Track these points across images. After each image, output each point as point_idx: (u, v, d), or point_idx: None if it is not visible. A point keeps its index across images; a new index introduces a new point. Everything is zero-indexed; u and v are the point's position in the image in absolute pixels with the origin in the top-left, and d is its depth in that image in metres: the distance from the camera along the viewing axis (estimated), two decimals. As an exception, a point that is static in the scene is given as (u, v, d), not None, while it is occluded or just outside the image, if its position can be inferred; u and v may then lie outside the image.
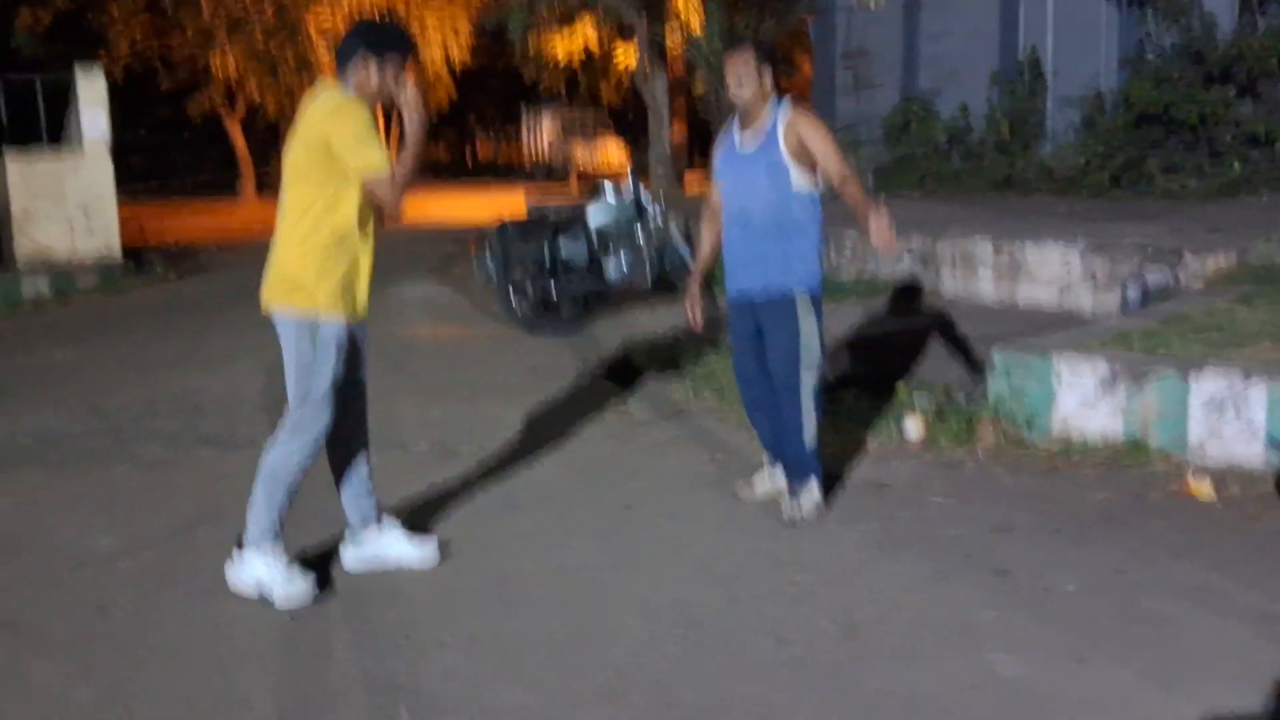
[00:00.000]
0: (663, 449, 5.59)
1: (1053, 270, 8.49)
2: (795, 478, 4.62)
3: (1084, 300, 8.26)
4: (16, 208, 12.04)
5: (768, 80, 4.53)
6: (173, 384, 7.26)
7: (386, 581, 3.96)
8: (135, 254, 13.20)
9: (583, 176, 28.14)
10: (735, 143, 4.66)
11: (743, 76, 4.51)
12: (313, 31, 21.24)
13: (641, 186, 9.86)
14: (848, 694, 3.13)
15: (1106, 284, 8.11)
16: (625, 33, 18.94)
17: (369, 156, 3.62)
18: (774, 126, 4.50)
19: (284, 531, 3.84)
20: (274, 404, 5.76)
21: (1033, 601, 3.71)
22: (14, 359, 8.55)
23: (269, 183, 27.12)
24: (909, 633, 3.49)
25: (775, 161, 4.46)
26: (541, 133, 33.74)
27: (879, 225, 4.17)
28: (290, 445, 3.80)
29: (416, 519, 4.50)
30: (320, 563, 4.08)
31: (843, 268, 10.35)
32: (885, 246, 4.25)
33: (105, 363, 8.20)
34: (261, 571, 3.76)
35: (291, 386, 3.80)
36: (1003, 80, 14.56)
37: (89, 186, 12.39)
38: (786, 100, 4.57)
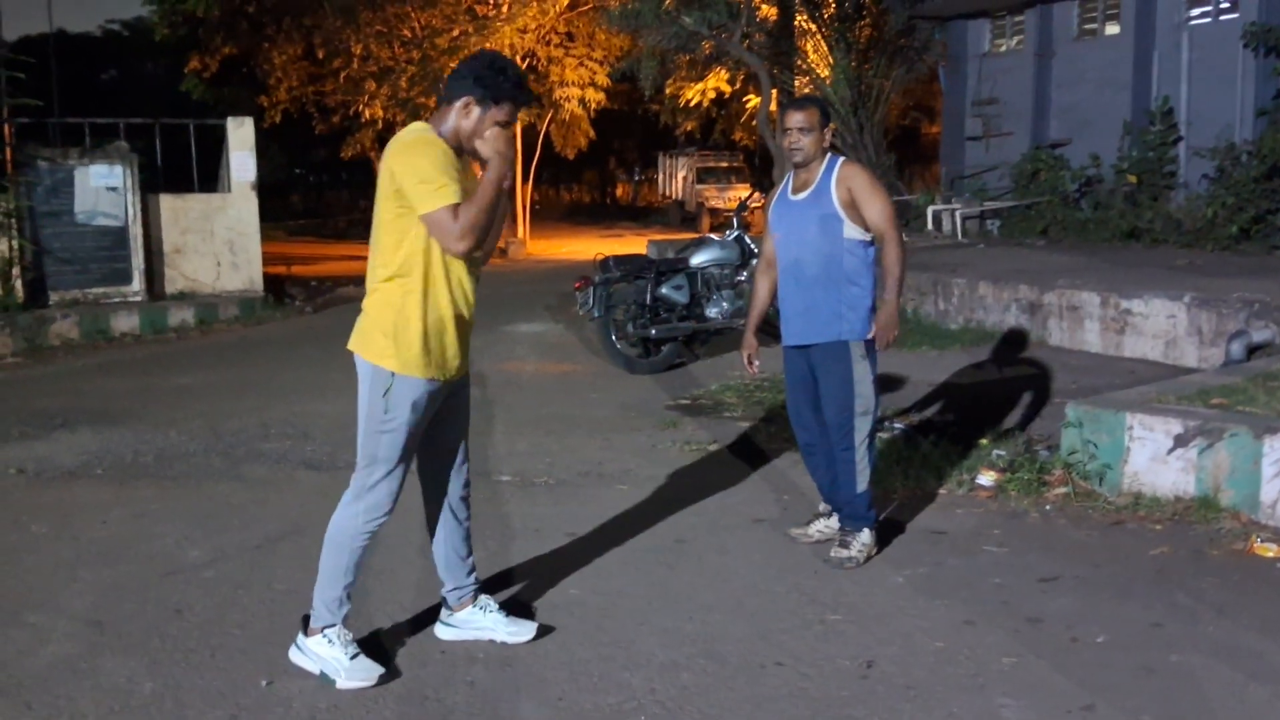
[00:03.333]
0: (732, 488, 5.73)
1: (1158, 324, 8.34)
2: (847, 522, 4.69)
3: (1189, 354, 8.08)
4: (168, 244, 12.93)
5: (827, 136, 4.66)
6: (289, 409, 7.73)
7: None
8: (278, 287, 13.99)
9: (715, 219, 28.41)
10: (788, 193, 4.78)
11: (803, 131, 4.63)
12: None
13: (747, 231, 10.09)
14: (849, 728, 3.23)
15: (1212, 339, 7.93)
16: (752, 79, 19.16)
17: (430, 195, 3.34)
18: (828, 177, 4.63)
19: (350, 606, 3.61)
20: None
21: (1056, 650, 3.73)
22: (151, 381, 9.20)
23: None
24: (923, 674, 3.56)
25: (828, 211, 4.59)
26: (677, 175, 34.23)
27: (882, 318, 4.57)
28: (354, 508, 3.53)
29: (483, 544, 4.74)
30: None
31: (950, 314, 10.34)
32: (880, 341, 4.59)
33: (231, 387, 8.76)
34: (326, 653, 3.51)
35: (360, 443, 3.53)
36: (1135, 130, 14.29)
37: (235, 225, 13.23)
38: (839, 157, 4.71)
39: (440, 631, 3.85)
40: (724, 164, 32.97)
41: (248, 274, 13.32)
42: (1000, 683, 3.50)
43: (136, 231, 12.52)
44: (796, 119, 4.66)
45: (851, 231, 4.59)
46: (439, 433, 3.68)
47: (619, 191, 48.87)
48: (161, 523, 5.26)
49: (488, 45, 21.70)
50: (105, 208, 12.35)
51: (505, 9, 21.81)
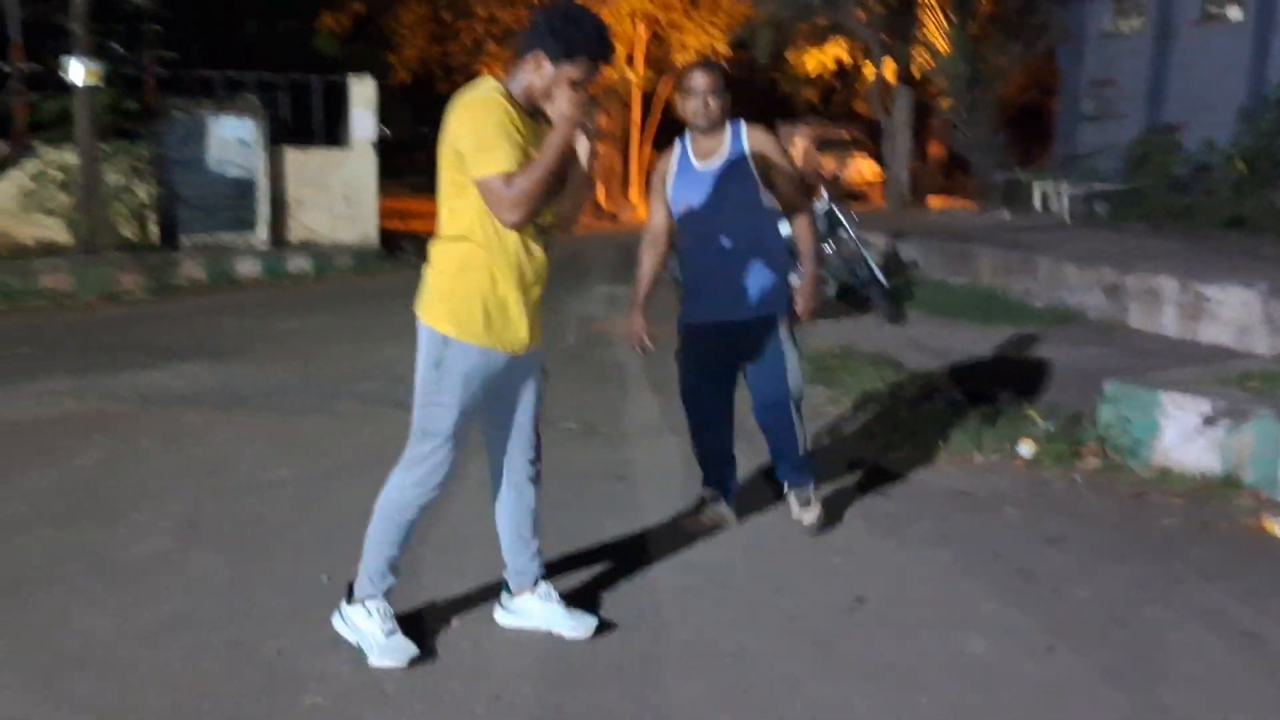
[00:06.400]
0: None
1: (1232, 311, 8.39)
2: (804, 485, 4.63)
3: (1261, 342, 8.13)
4: (290, 195, 13.74)
5: (728, 99, 4.37)
6: (385, 354, 8.30)
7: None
8: (392, 241, 14.68)
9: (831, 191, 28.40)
10: (691, 161, 4.45)
11: (712, 94, 4.31)
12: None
13: (839, 203, 10.34)
14: (825, 651, 3.60)
15: (1284, 327, 7.98)
16: (868, 52, 19.20)
17: (483, 159, 3.12)
18: (738, 144, 4.37)
19: (396, 580, 3.50)
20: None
21: (1036, 600, 4.03)
22: (264, 323, 9.93)
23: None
24: (905, 612, 3.90)
25: (747, 180, 4.34)
26: (795, 145, 34.17)
27: (806, 290, 4.39)
28: (404, 479, 3.38)
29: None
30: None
31: (1035, 293, 10.45)
32: (803, 313, 4.40)
33: (336, 332, 9.43)
34: (363, 626, 3.42)
35: (414, 412, 3.36)
36: (1249, 117, 14.05)
37: (353, 179, 13.96)
38: (740, 121, 4.43)
39: (499, 617, 3.70)
40: (843, 135, 32.83)
41: (363, 227, 14.06)
42: (975, 624, 3.82)
43: (262, 182, 13.34)
44: (704, 82, 4.32)
45: (768, 200, 4.39)
46: (506, 411, 3.50)
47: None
48: (255, 446, 5.86)
49: (608, 9, 22.12)
50: (234, 158, 13.18)
51: (629, -28, 22.10)
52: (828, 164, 31.33)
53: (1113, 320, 9.42)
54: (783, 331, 4.44)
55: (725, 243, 4.38)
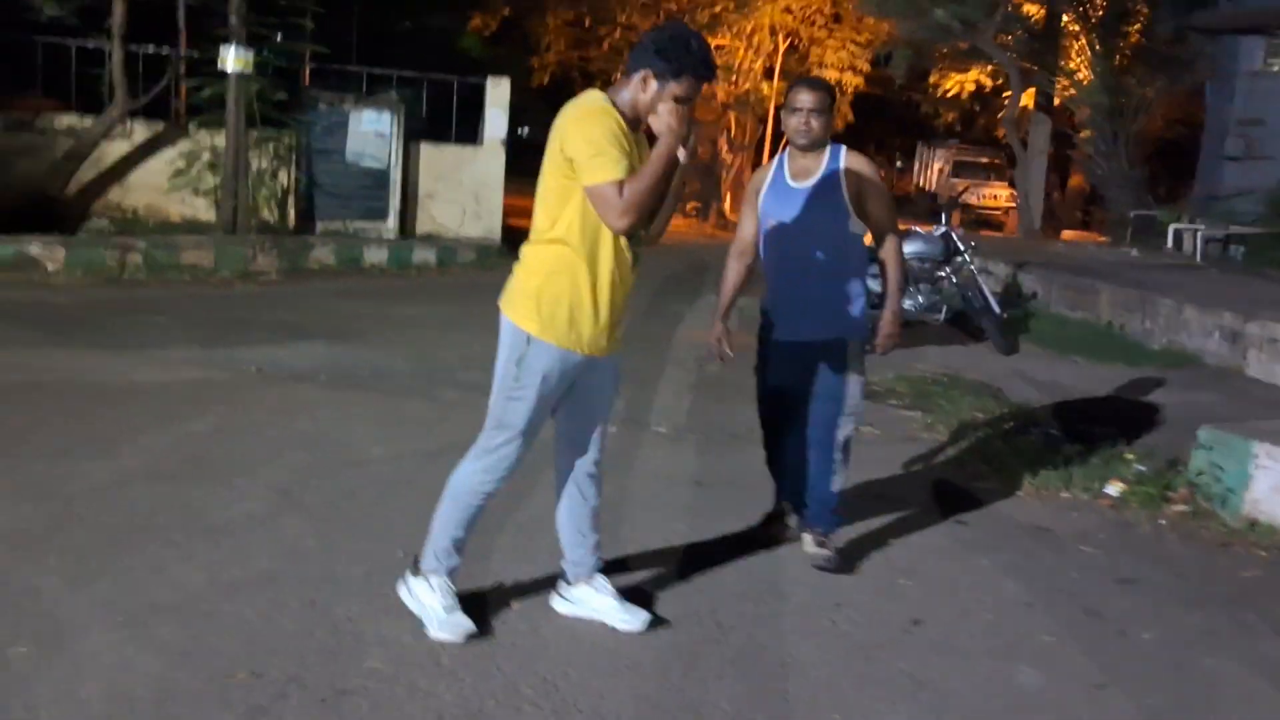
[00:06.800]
0: (877, 466, 5.96)
1: (1357, 365, 8.11)
2: (822, 522, 4.55)
3: (1385, 400, 7.85)
4: (422, 189, 14.20)
5: (833, 121, 4.46)
6: (492, 347, 8.56)
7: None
8: (516, 238, 15.02)
9: (965, 215, 28.01)
10: (786, 179, 4.47)
11: (814, 113, 4.35)
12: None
13: (956, 230, 10.29)
14: (872, 667, 3.66)
15: None
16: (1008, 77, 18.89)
17: (597, 166, 3.26)
18: (834, 166, 4.39)
19: (461, 561, 3.64)
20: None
21: (1098, 638, 4.02)
22: (385, 309, 10.33)
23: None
24: (961, 637, 3.94)
25: (837, 203, 4.36)
26: (933, 167, 33.77)
27: (886, 324, 4.45)
28: (474, 466, 3.55)
29: (615, 476, 5.35)
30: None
31: (1154, 334, 10.23)
32: (882, 347, 4.47)
33: (449, 322, 9.76)
34: (425, 599, 3.57)
35: (490, 403, 3.54)
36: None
37: (482, 177, 14.37)
38: (841, 146, 4.47)
39: (556, 603, 3.82)
40: (982, 159, 32.30)
41: (488, 223, 14.45)
42: (1030, 654, 3.84)
43: (396, 175, 13.81)
44: (809, 100, 4.36)
45: (855, 226, 4.41)
46: (578, 409, 3.63)
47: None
48: (358, 424, 6.15)
49: (749, 24, 22.23)
50: (371, 150, 13.67)
51: (770, -14, 22.19)
52: (964, 189, 30.97)
53: (1231, 367, 9.17)
54: (851, 358, 4.44)
55: (806, 262, 4.41)
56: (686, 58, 3.35)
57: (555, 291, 3.41)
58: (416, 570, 3.62)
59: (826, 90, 4.47)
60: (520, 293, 3.47)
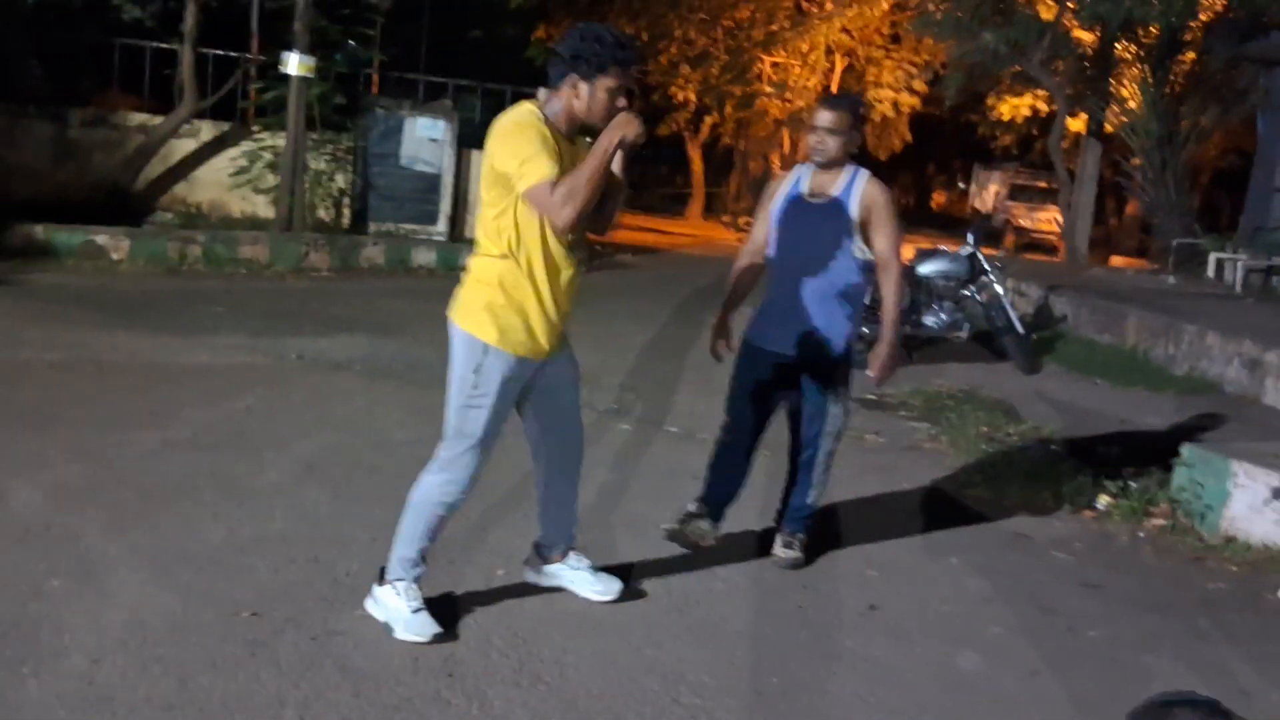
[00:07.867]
0: (875, 473, 6.26)
1: (1368, 396, 8.24)
2: (798, 528, 4.69)
3: (1393, 431, 7.96)
4: (473, 194, 14.64)
5: (855, 142, 4.50)
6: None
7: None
8: (564, 245, 15.45)
9: (1019, 239, 27.99)
10: (803, 193, 4.54)
11: (830, 132, 4.43)
12: (766, 69, 23.03)
13: (981, 250, 10.51)
14: (820, 642, 3.98)
15: None
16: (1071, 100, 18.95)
17: (527, 170, 3.34)
18: (850, 188, 4.45)
19: (425, 569, 3.70)
20: (626, 381, 7.55)
21: (1043, 632, 4.29)
22: (427, 307, 10.44)
23: (715, 205, 29.47)
24: (914, 624, 4.23)
25: (845, 224, 4.41)
26: (989, 189, 33.74)
27: (883, 354, 4.47)
28: (436, 478, 3.62)
29: (620, 469, 5.71)
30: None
31: (1177, 360, 10.37)
32: (875, 377, 4.52)
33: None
34: (391, 603, 3.62)
35: (448, 414, 3.61)
36: None
37: (531, 184, 14.79)
38: (862, 170, 4.52)
39: (529, 575, 4.05)
40: (1039, 183, 32.20)
41: (537, 228, 14.88)
42: (974, 643, 4.11)
43: (448, 180, 14.31)
44: (826, 118, 4.44)
45: (859, 251, 4.46)
46: (545, 401, 3.77)
47: (935, 199, 48.55)
48: (388, 409, 6.58)
49: (804, 43, 22.57)
50: (426, 156, 14.19)
51: (828, 6, 22.51)
52: (1018, 212, 30.90)
53: (1249, 395, 9.30)
54: (836, 381, 4.54)
55: (804, 278, 4.45)
56: (604, 51, 3.42)
57: (507, 302, 3.51)
58: (382, 581, 3.68)
59: (847, 109, 4.52)
60: (474, 303, 3.55)
